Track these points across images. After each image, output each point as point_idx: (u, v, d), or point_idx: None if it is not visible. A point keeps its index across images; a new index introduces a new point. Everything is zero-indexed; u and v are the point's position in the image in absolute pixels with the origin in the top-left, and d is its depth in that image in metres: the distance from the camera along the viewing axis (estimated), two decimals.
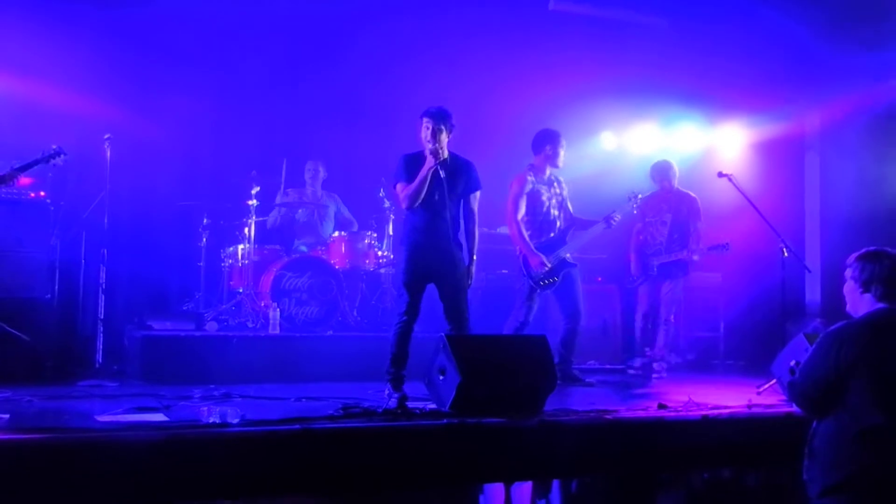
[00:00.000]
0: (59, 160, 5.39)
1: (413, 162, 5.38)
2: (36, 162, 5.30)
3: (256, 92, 7.88)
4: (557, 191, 6.65)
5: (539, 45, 7.94)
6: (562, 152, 6.56)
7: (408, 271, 5.37)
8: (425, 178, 5.26)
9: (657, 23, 8.45)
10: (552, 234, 6.58)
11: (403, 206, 5.40)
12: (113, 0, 7.04)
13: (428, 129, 5.31)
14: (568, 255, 6.57)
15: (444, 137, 5.32)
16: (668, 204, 7.18)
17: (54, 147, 5.37)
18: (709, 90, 8.27)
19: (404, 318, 5.35)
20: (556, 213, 6.62)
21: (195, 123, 7.57)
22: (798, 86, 8.10)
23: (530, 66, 7.87)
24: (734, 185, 6.68)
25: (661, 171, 7.26)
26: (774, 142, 8.38)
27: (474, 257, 5.51)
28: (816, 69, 7.99)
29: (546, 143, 6.55)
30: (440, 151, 5.25)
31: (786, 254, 6.52)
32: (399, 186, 5.41)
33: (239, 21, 7.45)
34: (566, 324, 6.57)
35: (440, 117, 5.31)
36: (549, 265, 6.40)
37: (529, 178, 6.52)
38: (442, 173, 5.28)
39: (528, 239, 6.45)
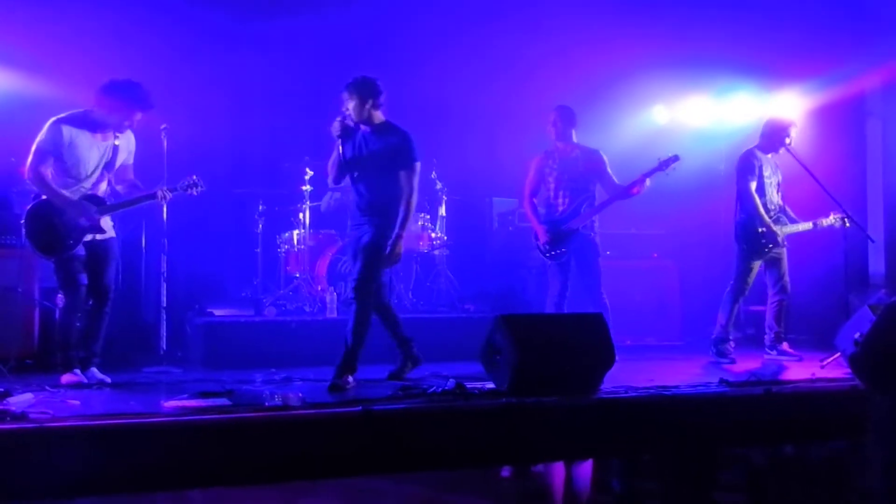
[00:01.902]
0: (195, 191, 5.56)
1: (345, 134, 5.26)
2: (174, 189, 5.49)
3: (309, 79, 7.92)
4: (580, 163, 6.49)
5: (587, 19, 7.82)
6: (559, 126, 6.47)
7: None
8: (334, 155, 5.21)
9: None
10: (561, 208, 6.48)
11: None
12: None
13: (343, 103, 5.19)
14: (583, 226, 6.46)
15: (355, 108, 5.14)
16: (775, 167, 6.73)
17: (194, 178, 5.54)
18: (762, 57, 8.05)
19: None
20: (571, 185, 6.46)
21: (249, 111, 7.66)
22: (856, 47, 7.82)
23: (579, 40, 7.77)
24: (792, 154, 6.54)
25: (786, 126, 6.69)
26: (833, 107, 8.13)
27: (400, 233, 5.16)
28: (875, 28, 7.73)
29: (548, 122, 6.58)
30: (336, 128, 5.15)
31: (848, 224, 6.38)
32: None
33: (290, 12, 7.48)
34: (583, 297, 6.47)
35: (348, 87, 5.16)
36: (549, 236, 6.42)
37: (540, 157, 6.57)
38: (341, 148, 5.19)
39: (537, 213, 6.55)
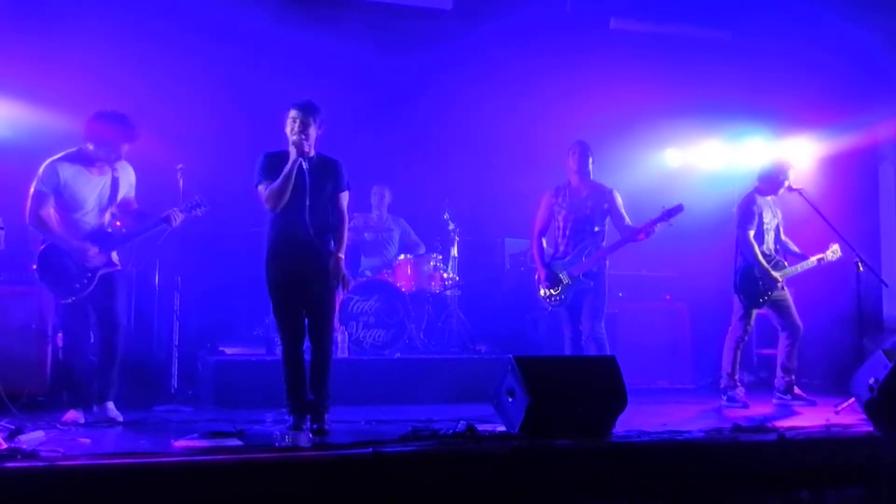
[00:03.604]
0: (199, 212, 5.62)
1: (275, 161, 5.02)
2: (179, 212, 5.54)
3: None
4: (588, 203, 6.38)
5: (601, 65, 7.89)
6: (572, 162, 6.42)
7: (273, 287, 5.05)
8: (290, 173, 4.89)
9: (720, 36, 8.34)
10: (564, 249, 6.40)
11: (267, 207, 5.02)
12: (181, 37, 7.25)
13: (295, 121, 4.96)
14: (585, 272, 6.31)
15: (313, 132, 4.99)
16: (775, 208, 6.76)
17: (196, 198, 5.61)
18: (775, 103, 8.10)
19: (285, 342, 5.04)
20: (577, 227, 6.37)
21: (264, 150, 7.71)
22: (869, 95, 7.88)
23: (592, 85, 7.83)
24: (805, 199, 6.54)
25: (783, 168, 6.71)
26: (846, 154, 8.16)
27: (341, 255, 5.09)
28: (888, 78, 7.78)
29: (568, 153, 6.50)
30: (306, 146, 4.91)
31: (861, 268, 6.35)
32: (260, 187, 5.03)
33: (306, 52, 7.57)
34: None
35: (309, 110, 5.00)
36: (549, 280, 6.35)
37: (550, 194, 6.49)
38: (305, 167, 4.94)
39: (542, 254, 6.47)
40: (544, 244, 6.57)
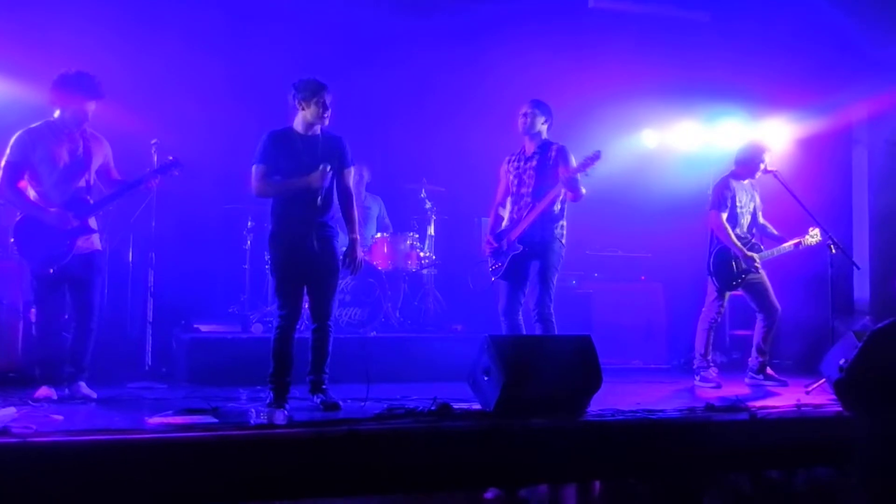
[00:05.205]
0: (176, 172, 5.53)
1: (279, 141, 5.04)
2: (154, 173, 5.46)
3: None
4: (534, 163, 5.85)
5: (579, 44, 7.88)
6: (520, 120, 5.89)
7: (278, 265, 5.03)
8: (293, 188, 4.97)
9: (699, 18, 8.35)
10: (509, 217, 5.98)
11: (254, 192, 5.08)
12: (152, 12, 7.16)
13: (327, 109, 5.04)
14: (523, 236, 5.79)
15: None
16: (752, 192, 6.74)
17: (171, 158, 5.52)
18: (752, 85, 8.14)
19: (283, 321, 5.00)
20: (519, 192, 5.89)
21: (240, 126, 7.64)
22: (844, 78, 7.92)
23: (570, 64, 7.80)
24: (780, 181, 6.57)
25: (760, 151, 6.65)
26: (820, 136, 8.22)
27: (356, 237, 5.17)
28: (863, 61, 7.82)
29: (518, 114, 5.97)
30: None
31: (833, 250, 6.41)
32: (256, 168, 5.05)
33: (281, 26, 7.50)
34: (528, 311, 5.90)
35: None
36: (494, 245, 5.95)
37: (505, 161, 6.08)
38: (314, 146, 5.00)
39: (493, 225, 6.08)
40: (503, 215, 6.09)
